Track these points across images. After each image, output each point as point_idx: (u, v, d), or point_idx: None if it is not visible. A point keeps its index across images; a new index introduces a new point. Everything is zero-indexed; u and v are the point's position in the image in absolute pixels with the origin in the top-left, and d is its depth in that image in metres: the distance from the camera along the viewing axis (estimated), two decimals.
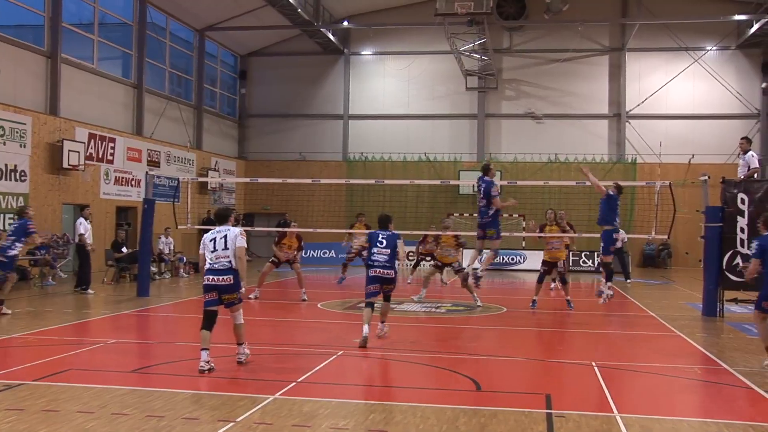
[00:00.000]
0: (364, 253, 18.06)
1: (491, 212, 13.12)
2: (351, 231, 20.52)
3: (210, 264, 9.31)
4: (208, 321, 9.34)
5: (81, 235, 18.47)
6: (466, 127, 34.06)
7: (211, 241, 9.39)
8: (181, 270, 24.08)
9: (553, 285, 20.28)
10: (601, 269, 14.81)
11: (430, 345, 11.42)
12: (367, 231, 15.87)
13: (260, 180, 21.46)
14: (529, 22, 32.50)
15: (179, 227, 19.47)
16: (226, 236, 9.36)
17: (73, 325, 13.10)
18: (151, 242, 19.22)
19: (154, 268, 21.77)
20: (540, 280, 16.75)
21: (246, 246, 9.77)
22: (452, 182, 28.00)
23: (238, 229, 9.57)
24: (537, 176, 31.42)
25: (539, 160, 32.64)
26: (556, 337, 13.12)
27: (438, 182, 26.65)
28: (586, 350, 11.37)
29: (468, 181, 30.20)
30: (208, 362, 9.08)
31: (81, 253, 18.49)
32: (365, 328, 10.95)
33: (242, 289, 9.48)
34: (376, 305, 11.37)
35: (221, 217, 9.80)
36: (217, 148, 33.52)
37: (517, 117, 33.77)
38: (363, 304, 11.62)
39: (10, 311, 14.18)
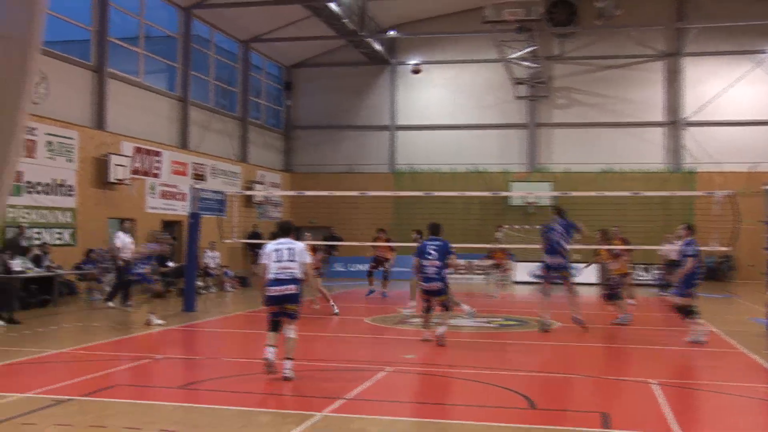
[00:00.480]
0: (387, 265, 18.78)
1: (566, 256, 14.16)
2: (375, 244, 21.02)
3: (275, 274, 9.66)
4: (273, 325, 9.80)
5: (115, 248, 18.68)
6: (516, 137, 33.95)
7: (275, 251, 9.78)
8: (227, 284, 24.28)
9: (630, 300, 19.99)
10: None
11: (482, 361, 11.35)
12: (386, 244, 16.12)
13: (307, 193, 21.75)
14: (580, 28, 32.23)
15: (225, 241, 19.66)
16: (292, 249, 9.76)
17: (120, 340, 13.28)
18: (197, 256, 19.45)
19: (200, 283, 22.02)
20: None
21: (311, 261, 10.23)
22: (502, 194, 28.05)
23: (303, 244, 10.01)
24: (590, 187, 30.92)
25: (592, 170, 32.37)
26: (613, 353, 12.96)
27: (488, 194, 26.36)
28: (645, 367, 11.18)
29: (519, 193, 30.53)
30: (273, 353, 9.49)
31: (119, 267, 18.62)
32: (426, 334, 12.12)
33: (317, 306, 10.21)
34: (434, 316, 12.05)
35: (284, 230, 10.21)
36: (262, 161, 33.77)
37: (570, 126, 33.54)
38: (415, 319, 12.32)
39: (161, 321, 14.61)
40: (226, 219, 20.93)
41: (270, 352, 9.51)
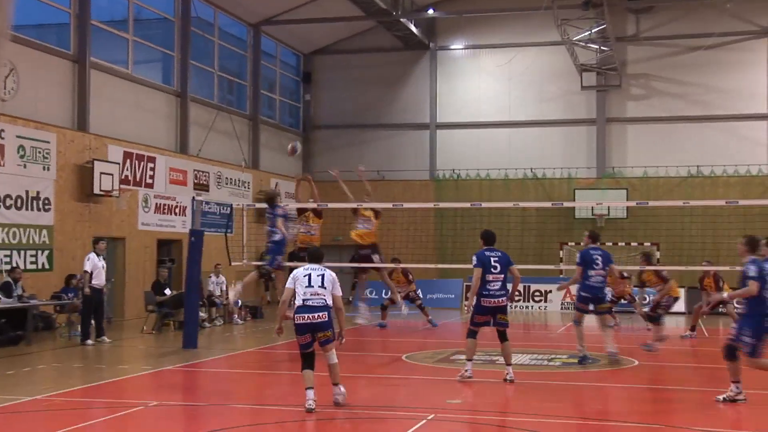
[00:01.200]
0: (411, 294, 21.61)
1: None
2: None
3: (303, 299, 10.61)
4: (308, 361, 10.69)
5: (84, 272, 18.64)
6: (583, 135, 33.95)
7: (305, 276, 10.72)
8: (236, 316, 24.33)
9: (688, 333, 20.89)
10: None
11: (541, 407, 11.30)
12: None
13: (330, 205, 21.71)
14: (660, 1, 32.04)
15: (233, 264, 19.72)
16: (323, 275, 10.74)
17: (107, 383, 13.25)
18: (200, 282, 19.49)
19: (203, 314, 22.02)
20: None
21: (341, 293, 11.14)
22: (566, 204, 28.09)
23: (334, 273, 10.98)
24: (674, 195, 30.84)
25: (676, 175, 32.24)
26: (705, 399, 12.66)
27: (548, 204, 26.41)
28: (744, 418, 10.95)
29: (586, 203, 30.63)
30: (314, 400, 10.36)
31: (86, 296, 18.55)
32: (468, 366, 12.50)
33: (342, 339, 10.98)
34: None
35: (315, 257, 11.08)
36: (277, 167, 33.94)
37: (648, 121, 33.50)
38: (466, 338, 13.01)
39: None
40: (235, 237, 20.96)
41: (311, 398, 10.38)
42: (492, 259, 12.74)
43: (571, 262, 28.50)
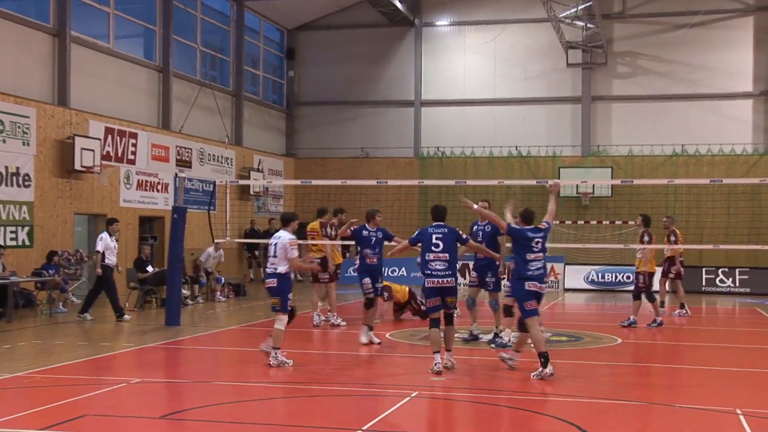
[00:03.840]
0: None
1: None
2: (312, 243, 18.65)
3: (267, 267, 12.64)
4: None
5: (97, 252, 18.91)
6: (568, 114, 33.93)
7: (270, 245, 12.54)
8: (218, 293, 24.41)
9: (678, 311, 20.70)
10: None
11: (526, 385, 11.42)
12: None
13: (314, 182, 21.70)
14: None
15: (216, 241, 19.73)
16: (277, 243, 12.33)
17: (89, 361, 13.30)
18: (183, 259, 19.49)
19: (185, 291, 22.02)
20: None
21: (297, 256, 12.57)
22: (550, 182, 27.47)
23: (287, 237, 12.41)
24: (658, 173, 30.90)
25: (661, 153, 32.26)
26: (685, 376, 12.96)
27: (533, 182, 26.16)
28: (727, 393, 11.16)
29: (570, 181, 30.49)
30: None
31: (100, 275, 18.83)
32: (437, 358, 11.94)
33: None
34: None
35: (282, 221, 12.99)
36: (260, 144, 34.05)
37: (633, 99, 33.42)
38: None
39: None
40: (218, 214, 20.92)
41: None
42: (434, 236, 12.35)
43: (555, 240, 29.03)
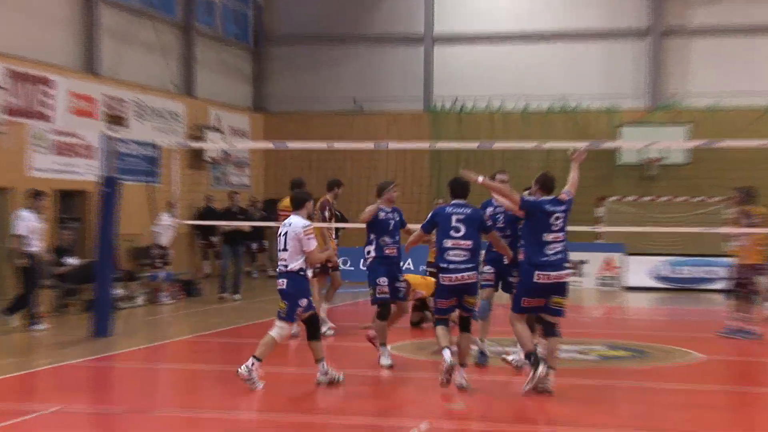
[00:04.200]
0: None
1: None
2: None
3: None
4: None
5: (18, 236, 18.97)
6: (630, 53, 34.04)
7: (279, 236, 12.81)
8: (162, 294, 24.44)
9: None
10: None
11: (577, 414, 11.48)
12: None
13: (291, 145, 22.12)
14: None
15: (159, 224, 19.68)
16: (287, 233, 12.59)
17: None
18: (116, 248, 19.48)
19: (119, 291, 21.93)
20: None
21: (315, 248, 12.71)
22: (606, 145, 27.83)
23: (300, 224, 12.63)
24: (752, 132, 30.64)
25: (755, 106, 32.21)
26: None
27: (583, 145, 25.66)
28: None
29: (633, 143, 30.98)
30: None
31: (26, 267, 19.03)
32: (446, 353, 12.23)
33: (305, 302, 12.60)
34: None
35: (294, 202, 13.28)
36: (219, 94, 34.06)
37: (719, 32, 33.18)
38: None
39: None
40: (162, 187, 20.89)
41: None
42: (454, 217, 12.53)
43: (613, 222, 29.64)
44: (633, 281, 29.21)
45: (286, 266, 12.61)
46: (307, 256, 12.53)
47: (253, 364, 12.32)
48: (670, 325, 21.93)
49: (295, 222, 12.64)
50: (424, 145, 27.84)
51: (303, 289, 12.70)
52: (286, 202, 17.63)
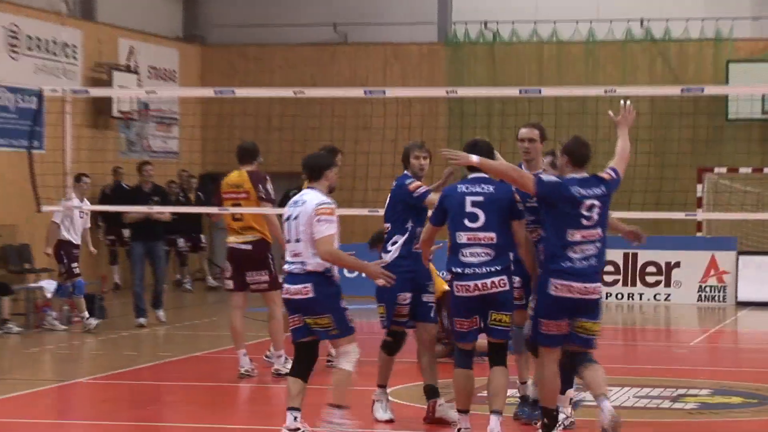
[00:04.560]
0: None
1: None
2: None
3: (287, 263, 12.53)
4: (299, 362, 12.54)
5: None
6: None
7: (286, 220, 12.62)
8: (49, 317, 24.28)
9: None
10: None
11: None
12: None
13: (240, 92, 21.69)
14: None
15: (44, 209, 20.20)
16: (299, 215, 12.31)
17: None
18: None
19: None
20: None
21: (333, 236, 12.23)
22: (711, 90, 27.30)
23: (316, 200, 12.20)
24: None
25: None
26: None
27: (676, 91, 25.42)
28: None
29: (751, 88, 30.11)
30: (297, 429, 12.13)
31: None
32: (461, 421, 12.44)
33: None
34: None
35: (308, 169, 12.87)
36: (132, 18, 34.40)
37: None
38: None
39: None
40: (47, 155, 21.84)
41: (291, 421, 12.14)
42: (469, 199, 12.29)
43: (720, 204, 30.44)
44: (749, 293, 28.82)
45: (303, 265, 12.30)
46: (317, 248, 12.06)
47: (334, 417, 12.37)
48: None
49: (311, 198, 12.32)
50: (439, 91, 27.26)
51: (335, 293, 12.50)
52: (235, 177, 18.18)
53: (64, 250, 24.29)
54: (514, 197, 12.41)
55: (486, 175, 12.44)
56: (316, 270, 12.09)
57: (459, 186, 12.41)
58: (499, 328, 12.30)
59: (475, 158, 12.35)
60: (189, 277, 32.32)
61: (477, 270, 12.07)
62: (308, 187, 12.74)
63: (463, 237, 12.17)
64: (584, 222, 12.01)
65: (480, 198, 12.18)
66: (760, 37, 33.21)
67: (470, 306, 12.18)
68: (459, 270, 12.13)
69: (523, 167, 13.67)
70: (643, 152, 29.64)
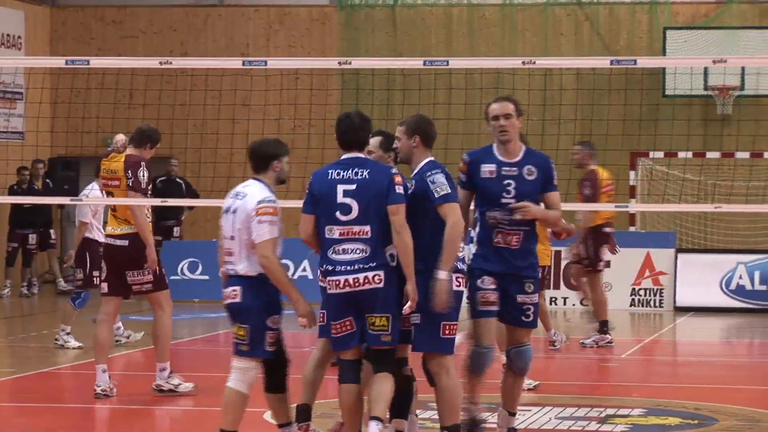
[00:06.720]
0: None
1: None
2: None
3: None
4: (268, 374, 12.67)
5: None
6: None
7: (224, 212, 12.74)
8: None
9: None
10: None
11: None
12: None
13: (95, 62, 21.77)
14: None
15: None
16: (237, 209, 12.26)
17: None
18: None
19: None
20: None
21: (275, 239, 12.19)
22: (644, 62, 26.63)
23: (259, 195, 11.98)
24: None
25: None
26: None
27: (606, 62, 23.74)
28: None
29: (691, 60, 30.76)
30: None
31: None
32: (373, 427, 12.12)
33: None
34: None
35: (254, 159, 12.56)
36: None
37: None
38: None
39: None
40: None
41: None
42: (341, 187, 12.03)
43: (656, 193, 31.65)
44: (688, 297, 29.47)
45: (234, 267, 12.36)
46: (258, 252, 11.99)
47: None
48: (749, 373, 22.25)
49: (253, 193, 12.09)
50: (331, 62, 26.85)
51: (270, 301, 12.33)
52: (113, 161, 18.09)
53: None
54: (392, 181, 11.86)
55: (362, 155, 12.20)
56: (247, 274, 12.15)
57: (330, 171, 12.14)
58: (375, 333, 12.05)
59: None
60: (39, 279, 31.83)
61: (348, 267, 11.94)
62: (253, 178, 12.34)
63: (334, 231, 12.00)
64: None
65: (353, 185, 11.98)
66: (700, 1, 32.30)
67: (340, 306, 12.00)
68: (330, 267, 11.98)
69: (495, 151, 13.03)
70: (567, 134, 30.14)
